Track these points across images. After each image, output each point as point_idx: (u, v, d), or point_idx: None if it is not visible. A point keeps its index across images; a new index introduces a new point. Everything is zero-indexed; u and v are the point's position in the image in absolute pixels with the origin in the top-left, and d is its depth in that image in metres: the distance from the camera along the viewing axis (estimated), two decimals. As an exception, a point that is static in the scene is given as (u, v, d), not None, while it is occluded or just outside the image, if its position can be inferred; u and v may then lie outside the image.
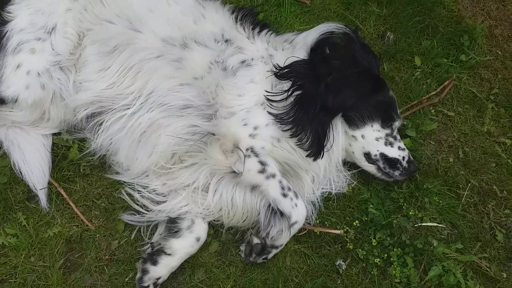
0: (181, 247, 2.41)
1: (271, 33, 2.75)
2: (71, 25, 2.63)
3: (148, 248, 2.46)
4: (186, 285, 2.47)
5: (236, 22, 2.71)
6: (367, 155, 2.62)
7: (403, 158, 2.61)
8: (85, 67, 2.61)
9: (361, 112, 2.55)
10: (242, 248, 2.52)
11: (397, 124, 2.67)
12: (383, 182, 2.72)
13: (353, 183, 2.71)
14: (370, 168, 2.65)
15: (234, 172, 2.41)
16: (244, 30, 2.69)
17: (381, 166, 2.61)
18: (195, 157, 2.51)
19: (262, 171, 2.39)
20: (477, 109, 3.02)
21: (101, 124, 2.60)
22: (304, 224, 2.48)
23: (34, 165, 2.62)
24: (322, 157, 2.50)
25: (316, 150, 2.46)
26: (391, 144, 2.61)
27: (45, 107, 2.62)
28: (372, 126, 2.59)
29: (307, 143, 2.44)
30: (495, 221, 2.69)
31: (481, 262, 2.54)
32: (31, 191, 2.62)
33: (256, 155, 2.39)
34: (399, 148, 2.63)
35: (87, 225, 2.58)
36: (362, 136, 2.59)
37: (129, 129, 2.53)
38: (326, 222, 2.63)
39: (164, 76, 2.51)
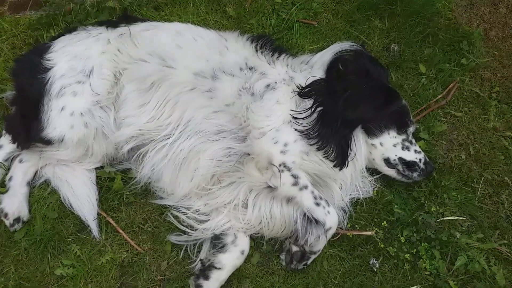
0: (229, 261, 2.61)
1: (288, 57, 2.97)
2: (107, 66, 2.83)
3: (198, 265, 2.66)
4: (234, 296, 2.68)
5: (257, 50, 2.93)
6: (387, 161, 2.85)
7: (420, 160, 2.83)
8: (125, 104, 2.81)
9: (378, 122, 2.78)
10: (283, 257, 2.73)
11: (411, 129, 2.88)
12: (403, 184, 2.94)
13: (377, 187, 2.92)
14: (391, 172, 2.87)
15: (270, 187, 2.62)
16: (265, 57, 2.91)
17: (400, 169, 2.84)
18: (232, 176, 2.72)
19: (295, 184, 2.60)
20: (482, 107, 3.26)
21: (144, 155, 2.81)
22: (336, 229, 2.68)
23: (83, 198, 2.82)
24: (347, 166, 2.71)
25: (341, 160, 2.67)
26: (407, 149, 2.83)
27: (89, 143, 2.81)
28: (389, 133, 2.81)
29: (333, 154, 2.65)
30: (510, 209, 2.91)
31: (502, 248, 2.76)
32: (81, 223, 2.82)
33: (289, 169, 2.60)
34: (415, 151, 2.84)
35: (136, 250, 2.77)
36: (381, 144, 2.82)
37: (171, 157, 2.73)
38: (356, 226, 2.84)
39: (199, 105, 2.73)
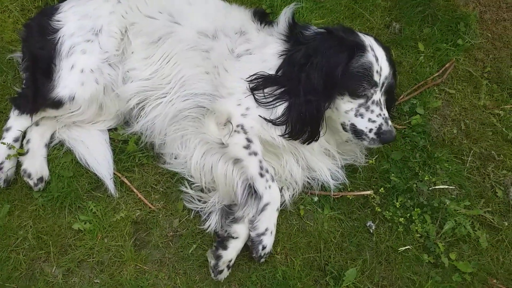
0: (244, 230, 2.71)
1: (271, 25, 3.01)
2: (115, 24, 2.92)
3: (214, 241, 2.78)
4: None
5: (251, 16, 3.04)
6: (342, 125, 2.77)
7: (370, 130, 2.66)
8: (131, 57, 2.93)
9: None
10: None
11: (372, 91, 2.67)
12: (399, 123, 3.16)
13: (373, 156, 3.13)
14: (347, 135, 2.80)
15: (222, 144, 2.75)
16: (255, 24, 3.00)
17: (352, 135, 2.75)
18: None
19: (246, 147, 2.71)
20: (474, 86, 3.48)
21: (142, 109, 2.96)
22: (337, 192, 2.93)
23: (99, 157, 2.95)
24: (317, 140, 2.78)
25: (310, 139, 2.75)
26: (361, 115, 2.68)
27: (101, 99, 2.91)
28: (342, 99, 2.69)
29: (303, 136, 2.72)
30: (495, 180, 3.17)
31: (486, 215, 3.02)
32: (95, 181, 2.97)
33: (245, 132, 2.72)
34: (369, 119, 2.67)
35: (150, 208, 2.93)
36: (336, 109, 2.74)
37: (165, 114, 2.89)
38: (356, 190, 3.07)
39: (194, 64, 2.87)
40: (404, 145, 3.21)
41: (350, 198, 3.00)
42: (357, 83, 2.65)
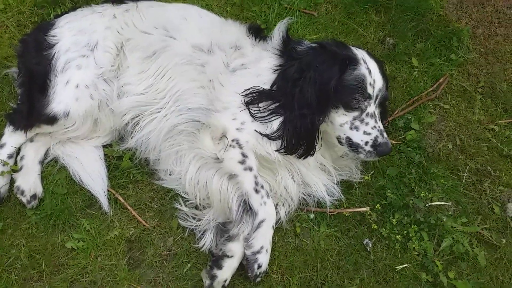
0: (239, 248, 2.67)
1: (265, 40, 3.02)
2: (111, 39, 2.92)
3: (208, 260, 2.75)
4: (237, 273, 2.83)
5: (246, 31, 3.05)
6: (338, 139, 2.77)
7: (366, 142, 2.65)
8: (126, 72, 2.92)
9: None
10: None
11: (366, 104, 2.67)
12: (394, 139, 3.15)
13: (369, 172, 3.12)
14: (343, 149, 2.81)
15: (217, 158, 2.73)
16: (250, 39, 3.01)
17: (348, 148, 2.74)
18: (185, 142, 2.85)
19: (242, 162, 2.68)
20: (468, 101, 3.49)
21: (137, 124, 2.94)
22: (333, 209, 2.91)
23: (94, 174, 2.92)
24: (313, 155, 2.77)
25: (306, 153, 2.74)
26: (356, 128, 2.67)
27: (96, 115, 2.89)
28: (337, 112, 2.69)
29: (299, 151, 2.72)
30: (492, 196, 3.16)
31: (483, 232, 3.01)
32: (89, 199, 2.94)
33: (240, 147, 2.69)
34: (364, 132, 2.66)
35: (144, 225, 2.90)
36: (331, 122, 2.73)
37: (159, 129, 2.88)
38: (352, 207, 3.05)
39: (190, 78, 2.87)
40: (399, 161, 3.21)
41: (346, 215, 2.98)
42: (351, 95, 2.64)
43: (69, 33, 2.92)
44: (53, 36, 2.91)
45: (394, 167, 3.16)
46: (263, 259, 2.65)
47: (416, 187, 3.09)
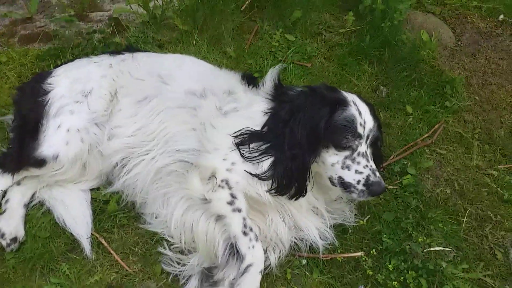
0: None
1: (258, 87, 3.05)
2: (105, 87, 2.98)
3: None
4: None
5: (240, 79, 3.10)
6: (330, 179, 2.70)
7: (358, 181, 2.58)
8: (117, 115, 2.95)
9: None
10: None
11: (357, 143, 2.63)
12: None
13: (365, 217, 3.00)
14: (336, 189, 2.72)
15: (205, 199, 2.64)
16: (244, 85, 3.05)
17: (341, 188, 2.67)
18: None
19: (230, 203, 2.60)
20: (465, 147, 3.43)
21: (124, 166, 2.91)
22: (326, 254, 2.76)
23: (78, 217, 2.85)
24: (305, 195, 2.69)
25: (298, 194, 2.66)
26: (348, 168, 2.61)
27: (85, 159, 2.87)
28: (327, 151, 2.65)
29: (290, 192, 2.64)
30: (494, 242, 2.98)
31: (486, 279, 2.80)
32: (72, 242, 2.83)
33: (229, 187, 2.62)
34: (356, 171, 2.60)
35: (126, 270, 2.76)
36: (323, 162, 2.69)
37: (148, 172, 2.84)
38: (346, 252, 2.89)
39: (182, 121, 2.87)
40: (396, 206, 3.08)
41: (340, 260, 2.81)
42: (341, 135, 2.62)
43: (65, 81, 2.99)
44: (50, 84, 2.98)
45: (390, 212, 3.04)
46: None
47: (414, 232, 2.94)
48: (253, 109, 2.87)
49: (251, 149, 2.67)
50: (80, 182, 2.99)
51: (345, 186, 2.62)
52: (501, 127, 3.54)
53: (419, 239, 2.89)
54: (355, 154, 2.63)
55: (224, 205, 2.61)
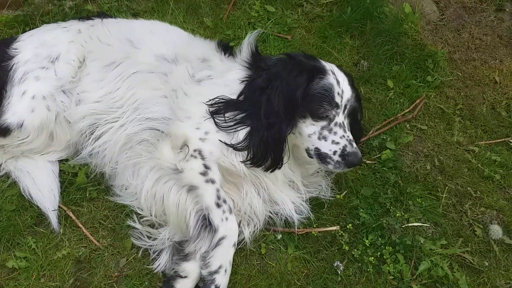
0: (194, 268, 2.47)
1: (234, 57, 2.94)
2: (74, 52, 2.85)
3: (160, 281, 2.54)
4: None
5: (215, 47, 2.97)
6: (307, 151, 2.64)
7: (335, 152, 2.52)
8: (84, 80, 2.82)
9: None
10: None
11: (334, 113, 2.57)
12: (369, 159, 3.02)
13: (342, 192, 2.93)
14: (313, 161, 2.66)
15: (176, 169, 2.54)
16: (219, 54, 2.93)
17: (317, 160, 2.61)
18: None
19: (203, 174, 2.51)
20: (446, 122, 3.36)
21: (92, 133, 2.79)
22: (301, 228, 2.70)
23: (44, 189, 2.75)
24: (280, 168, 2.62)
25: (274, 165, 2.60)
26: (325, 138, 2.55)
27: (51, 128, 2.77)
28: (304, 122, 2.58)
29: (266, 163, 2.56)
30: (473, 218, 2.94)
31: (465, 255, 2.76)
32: (39, 215, 2.74)
33: (202, 157, 2.52)
34: (332, 141, 2.54)
35: (95, 245, 2.67)
36: (300, 133, 2.62)
37: (115, 140, 2.73)
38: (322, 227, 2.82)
39: (152, 87, 2.76)
40: (374, 181, 3.02)
41: (316, 235, 2.75)
42: (318, 104, 2.55)
43: (30, 46, 2.86)
44: (15, 49, 2.85)
45: (368, 187, 2.97)
46: (222, 280, 2.42)
47: (392, 208, 2.88)
48: (229, 76, 2.76)
49: (226, 118, 2.57)
50: (47, 153, 2.90)
51: (321, 157, 2.56)
52: (483, 103, 3.48)
53: (397, 214, 2.83)
54: (332, 124, 2.56)
55: (196, 176, 2.52)
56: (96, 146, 2.78)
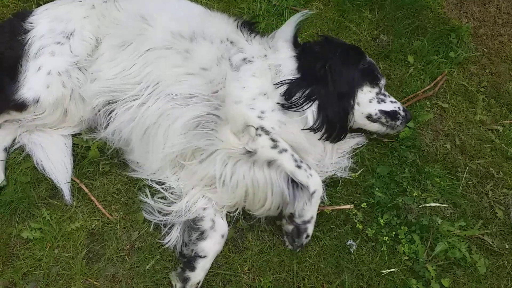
0: (211, 247, 2.51)
1: (262, 37, 2.95)
2: (89, 29, 2.81)
3: (179, 262, 2.55)
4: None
5: (237, 28, 2.91)
6: (369, 117, 2.83)
7: (399, 108, 2.85)
8: (99, 59, 2.78)
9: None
10: (285, 239, 2.64)
11: (382, 82, 2.88)
12: (386, 137, 2.98)
13: (357, 170, 2.86)
14: (375, 126, 2.86)
15: (248, 152, 2.53)
16: (243, 35, 2.88)
17: (384, 121, 2.83)
18: (206, 150, 2.61)
19: (274, 147, 2.52)
20: (469, 100, 3.22)
21: (111, 112, 2.74)
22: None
23: (57, 162, 2.76)
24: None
25: (341, 134, 2.75)
26: (383, 101, 2.84)
27: (66, 105, 2.76)
28: (362, 90, 2.81)
29: (334, 133, 2.71)
30: (495, 199, 2.83)
31: (484, 237, 2.67)
32: (54, 188, 2.76)
33: (267, 133, 2.53)
34: (391, 101, 2.86)
35: (108, 218, 2.69)
36: (358, 104, 2.79)
37: (139, 121, 2.66)
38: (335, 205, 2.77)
39: (172, 64, 2.68)
40: (391, 159, 2.93)
41: (328, 212, 2.70)
42: (372, 73, 2.85)
43: (45, 20, 2.83)
44: (30, 23, 2.82)
45: (385, 165, 2.89)
46: (311, 229, 2.59)
47: (409, 187, 2.80)
48: (280, 55, 2.83)
49: (293, 100, 2.64)
50: (60, 128, 2.88)
51: (390, 115, 2.82)
52: (509, 80, 3.32)
53: (414, 194, 2.76)
54: (383, 90, 2.88)
55: (270, 151, 2.54)
56: (116, 126, 2.74)
